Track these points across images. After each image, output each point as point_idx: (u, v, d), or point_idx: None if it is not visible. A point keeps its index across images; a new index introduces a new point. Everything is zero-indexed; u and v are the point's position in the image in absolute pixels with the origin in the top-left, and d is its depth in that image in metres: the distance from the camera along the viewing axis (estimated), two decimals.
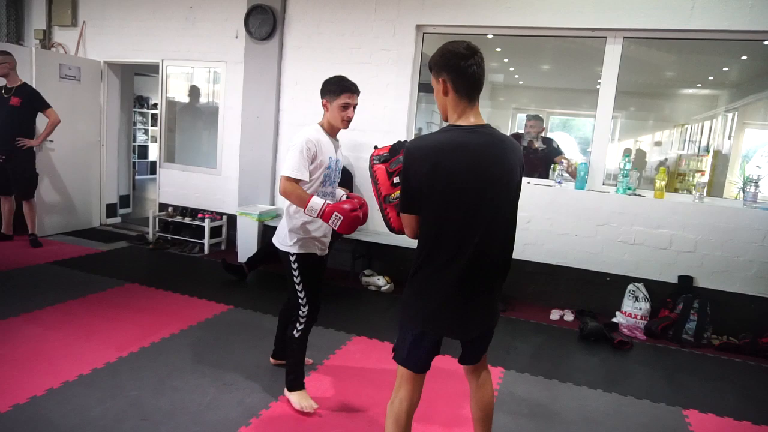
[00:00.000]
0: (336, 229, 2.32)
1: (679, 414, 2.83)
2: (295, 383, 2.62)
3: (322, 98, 2.51)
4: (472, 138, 1.66)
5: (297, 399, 2.57)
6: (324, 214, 2.30)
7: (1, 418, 2.28)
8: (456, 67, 1.66)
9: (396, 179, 1.79)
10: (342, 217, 2.28)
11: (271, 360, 3.02)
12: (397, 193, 1.76)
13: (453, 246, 1.66)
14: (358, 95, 2.51)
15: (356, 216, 2.31)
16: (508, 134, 1.74)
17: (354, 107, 2.50)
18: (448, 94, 1.69)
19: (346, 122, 2.50)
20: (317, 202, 2.32)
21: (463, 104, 1.69)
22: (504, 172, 1.69)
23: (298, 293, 2.54)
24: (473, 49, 1.67)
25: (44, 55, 5.59)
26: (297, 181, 2.38)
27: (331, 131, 2.55)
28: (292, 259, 2.52)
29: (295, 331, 2.58)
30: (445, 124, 1.78)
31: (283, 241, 2.54)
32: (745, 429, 2.76)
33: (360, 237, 4.78)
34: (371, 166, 1.88)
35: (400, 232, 1.81)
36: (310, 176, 2.43)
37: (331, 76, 2.52)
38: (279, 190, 2.43)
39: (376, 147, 1.95)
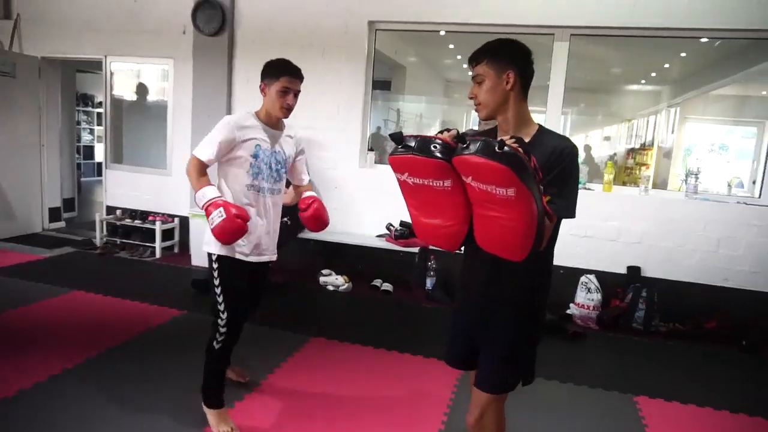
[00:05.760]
0: (211, 228, 2.05)
1: (630, 401, 2.93)
2: (212, 400, 2.35)
3: (261, 82, 2.29)
4: None
5: (215, 420, 2.32)
6: (210, 205, 2.05)
7: None
8: (526, 63, 1.61)
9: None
10: (224, 217, 2.01)
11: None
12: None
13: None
14: (301, 81, 2.29)
15: (238, 225, 2.03)
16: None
17: (296, 94, 2.27)
18: (513, 89, 1.59)
19: (285, 110, 2.26)
20: (209, 192, 2.10)
21: (525, 101, 1.64)
22: None
23: (218, 298, 2.27)
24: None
25: None
26: (204, 165, 2.19)
27: (269, 121, 2.30)
28: (213, 258, 2.26)
29: (214, 342, 2.32)
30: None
31: (207, 239, 2.23)
32: (690, 411, 2.88)
33: (317, 236, 4.71)
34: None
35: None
36: (230, 166, 2.25)
37: (275, 58, 2.34)
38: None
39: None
